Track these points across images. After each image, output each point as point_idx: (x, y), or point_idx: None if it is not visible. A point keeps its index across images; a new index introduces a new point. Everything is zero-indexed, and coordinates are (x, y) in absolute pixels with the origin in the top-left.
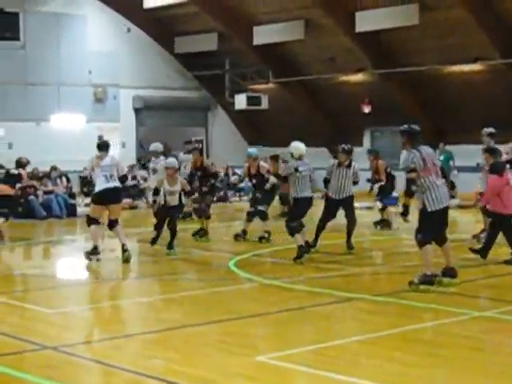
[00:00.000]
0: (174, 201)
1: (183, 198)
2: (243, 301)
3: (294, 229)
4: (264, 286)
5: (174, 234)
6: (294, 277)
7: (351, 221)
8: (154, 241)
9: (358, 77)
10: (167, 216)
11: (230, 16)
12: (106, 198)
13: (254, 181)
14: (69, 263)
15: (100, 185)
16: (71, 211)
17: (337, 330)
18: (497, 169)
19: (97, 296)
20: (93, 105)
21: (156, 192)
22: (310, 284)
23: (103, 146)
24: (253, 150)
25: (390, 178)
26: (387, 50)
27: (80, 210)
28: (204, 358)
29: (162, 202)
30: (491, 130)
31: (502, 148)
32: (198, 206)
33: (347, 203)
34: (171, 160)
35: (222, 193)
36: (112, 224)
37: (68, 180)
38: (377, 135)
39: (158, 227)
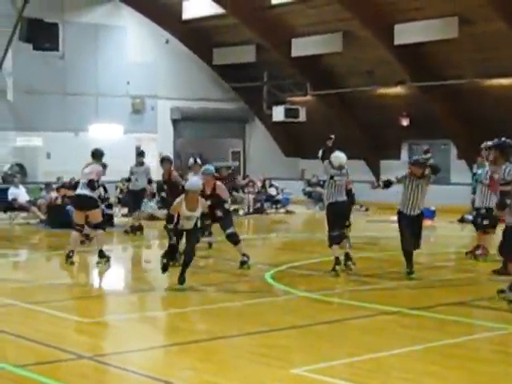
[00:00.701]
0: (188, 225)
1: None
2: (279, 313)
3: (332, 239)
4: (300, 299)
5: (187, 264)
6: (330, 289)
7: (415, 242)
8: (165, 267)
9: (397, 90)
10: (180, 237)
11: (268, 28)
12: (76, 203)
13: (208, 202)
14: (105, 273)
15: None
16: (108, 221)
17: (373, 344)
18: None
19: (132, 306)
20: (131, 115)
21: (170, 220)
22: (347, 297)
23: (95, 155)
24: (211, 167)
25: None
26: (426, 62)
27: (117, 219)
28: (239, 369)
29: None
30: (490, 143)
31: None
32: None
33: (417, 221)
34: (194, 181)
35: (258, 204)
36: (93, 227)
37: (105, 190)
38: (415, 148)
39: (169, 255)
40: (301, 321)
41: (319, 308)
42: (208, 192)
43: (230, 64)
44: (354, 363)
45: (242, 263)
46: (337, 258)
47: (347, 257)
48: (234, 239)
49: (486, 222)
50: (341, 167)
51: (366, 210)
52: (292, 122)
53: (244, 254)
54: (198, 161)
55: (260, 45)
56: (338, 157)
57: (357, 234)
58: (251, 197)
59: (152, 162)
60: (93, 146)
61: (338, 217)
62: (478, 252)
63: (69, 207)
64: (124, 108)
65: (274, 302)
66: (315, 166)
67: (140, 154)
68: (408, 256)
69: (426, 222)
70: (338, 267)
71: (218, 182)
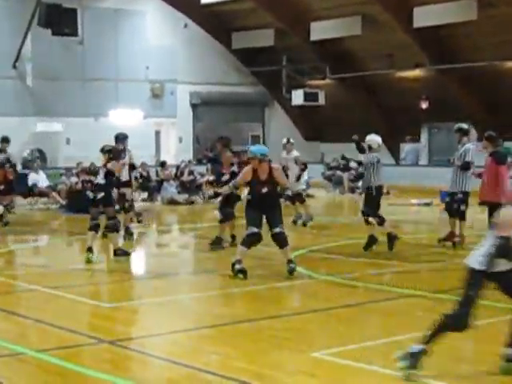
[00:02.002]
0: None
1: None
2: (299, 297)
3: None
4: (320, 282)
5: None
6: (350, 273)
7: None
8: None
9: (416, 73)
10: None
11: (286, 11)
12: None
13: (265, 189)
14: (124, 258)
15: None
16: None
17: (394, 327)
18: (504, 159)
19: (153, 291)
20: (150, 100)
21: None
22: (367, 280)
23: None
24: (260, 148)
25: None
26: (445, 45)
27: (136, 205)
28: (260, 353)
29: None
30: (462, 125)
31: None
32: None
33: None
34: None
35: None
36: None
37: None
38: (434, 131)
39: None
40: (321, 304)
41: (340, 291)
42: (264, 177)
43: (249, 48)
44: (374, 346)
45: (291, 271)
46: (389, 234)
47: (372, 238)
48: (283, 239)
49: (463, 208)
50: (379, 148)
51: (388, 193)
52: (311, 105)
53: (290, 260)
54: (291, 140)
55: (279, 29)
56: (374, 138)
57: None
58: None
59: (172, 146)
60: (113, 131)
61: (380, 200)
62: (457, 239)
63: (88, 192)
64: (143, 93)
65: (294, 285)
66: (335, 149)
67: (4, 140)
68: None
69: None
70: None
71: (275, 166)
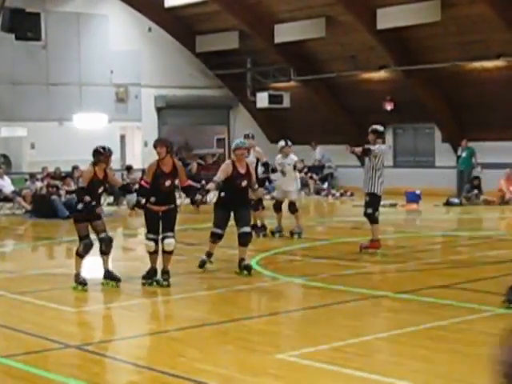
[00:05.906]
0: None
1: None
2: (265, 299)
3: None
4: (286, 284)
5: None
6: (315, 274)
7: None
8: None
9: (380, 74)
10: None
11: (251, 14)
12: None
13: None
14: (91, 262)
15: None
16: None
17: (359, 328)
18: None
19: (119, 295)
20: (115, 104)
21: None
22: (333, 282)
23: None
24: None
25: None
26: (409, 46)
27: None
28: (226, 355)
29: None
30: (377, 126)
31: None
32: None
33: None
34: None
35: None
36: None
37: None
38: (399, 132)
39: None
40: (287, 306)
41: (305, 293)
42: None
43: (214, 51)
44: (340, 347)
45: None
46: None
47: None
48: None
49: (369, 211)
50: None
51: (351, 195)
52: (276, 108)
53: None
54: (289, 143)
55: (243, 31)
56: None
57: (343, 218)
58: None
59: (137, 150)
60: (77, 136)
61: None
62: (364, 245)
63: (54, 197)
64: (108, 97)
65: (260, 287)
66: (300, 151)
67: None
68: None
69: (412, 206)
70: None
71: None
